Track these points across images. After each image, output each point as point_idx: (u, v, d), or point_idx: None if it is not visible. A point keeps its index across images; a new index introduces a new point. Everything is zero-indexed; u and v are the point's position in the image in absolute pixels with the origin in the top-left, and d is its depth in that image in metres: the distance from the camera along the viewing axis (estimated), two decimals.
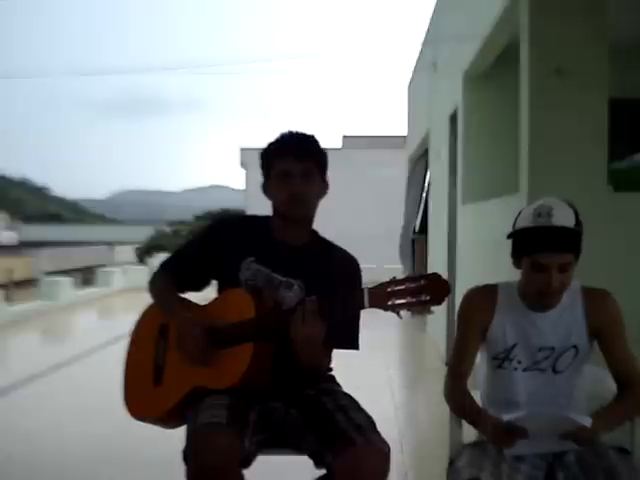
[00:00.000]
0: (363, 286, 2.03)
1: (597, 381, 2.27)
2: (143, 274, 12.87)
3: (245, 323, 2.12)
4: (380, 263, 10.83)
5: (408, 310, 1.94)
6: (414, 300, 1.91)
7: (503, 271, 2.36)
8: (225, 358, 2.13)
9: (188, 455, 1.96)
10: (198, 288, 2.37)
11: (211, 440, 1.92)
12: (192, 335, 2.15)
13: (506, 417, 1.98)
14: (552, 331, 2.13)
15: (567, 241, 2.03)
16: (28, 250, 30.39)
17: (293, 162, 2.22)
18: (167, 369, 2.26)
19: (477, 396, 2.24)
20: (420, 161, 10.25)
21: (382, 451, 1.98)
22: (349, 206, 18.86)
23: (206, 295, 2.34)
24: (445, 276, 1.92)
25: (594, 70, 3.64)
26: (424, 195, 9.64)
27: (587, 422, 1.95)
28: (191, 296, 2.35)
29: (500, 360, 2.17)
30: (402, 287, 1.92)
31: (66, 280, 11.98)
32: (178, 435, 2.14)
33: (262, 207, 2.42)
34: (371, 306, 1.96)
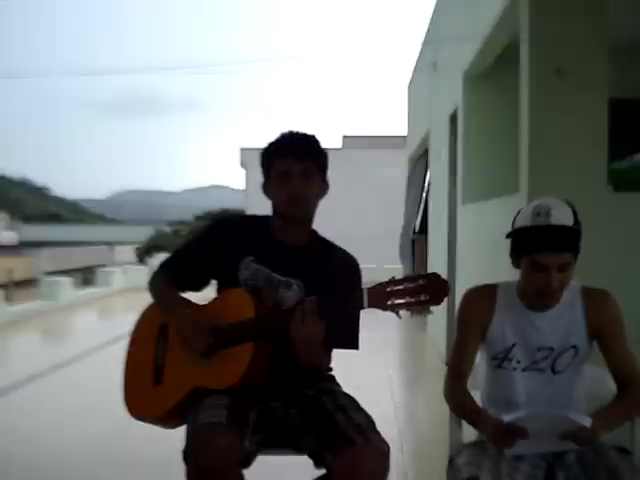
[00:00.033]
0: (363, 286, 2.03)
1: (597, 381, 2.27)
2: (143, 274, 12.87)
3: (244, 323, 2.12)
4: (380, 263, 10.83)
5: (407, 310, 1.95)
6: (413, 300, 1.91)
7: (503, 271, 2.36)
8: (225, 358, 2.13)
9: (188, 455, 1.96)
10: (197, 288, 2.37)
11: (211, 440, 1.92)
12: (196, 329, 2.15)
13: (506, 418, 1.98)
14: (551, 331, 2.13)
15: (566, 240, 2.03)
16: (28, 250, 30.39)
17: (293, 162, 2.22)
18: (167, 369, 2.26)
19: (477, 396, 2.24)
20: (420, 161, 10.25)
21: (382, 451, 1.98)
22: (349, 206, 18.87)
23: (206, 295, 2.34)
24: (445, 276, 1.92)
25: (594, 70, 3.64)
26: (424, 195, 9.64)
27: (587, 422, 1.95)
28: (191, 296, 2.35)
29: (499, 360, 2.17)
30: (401, 287, 1.93)
31: (66, 280, 11.98)
32: (178, 435, 2.14)
33: (262, 207, 2.42)
34: (370, 306, 1.96)
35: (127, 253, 24.97)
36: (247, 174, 22.13)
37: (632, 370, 2.15)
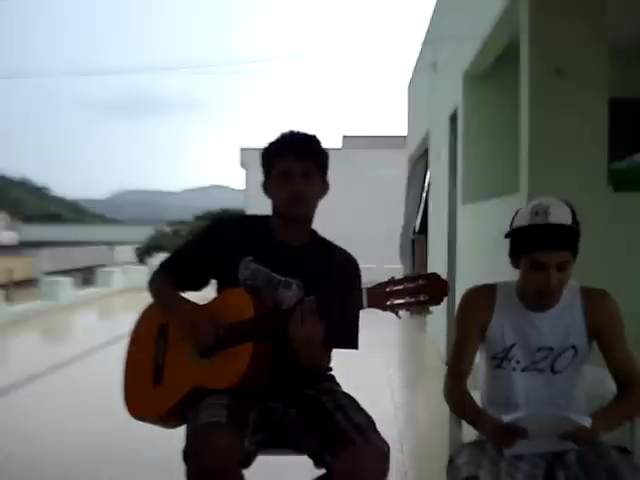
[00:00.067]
0: (363, 286, 2.03)
1: (597, 381, 2.27)
2: (143, 274, 12.87)
3: (244, 323, 2.12)
4: (380, 263, 10.83)
5: (407, 310, 1.95)
6: (413, 300, 1.91)
7: (503, 271, 2.36)
8: (224, 358, 2.13)
9: (188, 455, 1.96)
10: (197, 288, 2.37)
11: (211, 440, 1.92)
12: (201, 323, 2.15)
13: (506, 418, 1.98)
14: (551, 331, 2.13)
15: (564, 239, 2.03)
16: (28, 250, 30.38)
17: (293, 162, 2.22)
18: (167, 369, 2.26)
19: (477, 396, 2.24)
20: (420, 161, 10.25)
21: (381, 451, 1.98)
22: (349, 206, 18.86)
23: (205, 295, 2.34)
24: (445, 276, 1.92)
25: (594, 70, 3.64)
26: (424, 195, 9.64)
27: (587, 422, 1.95)
28: (190, 296, 2.35)
29: (499, 360, 2.17)
30: (401, 287, 1.93)
31: (66, 280, 11.98)
32: (178, 435, 2.14)
33: (262, 207, 2.42)
34: (370, 306, 1.96)
35: (127, 253, 24.97)
36: (247, 174, 22.13)
37: (632, 370, 2.15)
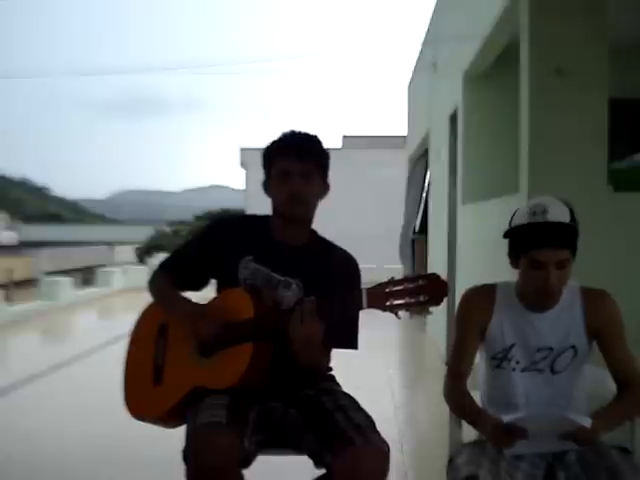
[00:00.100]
0: (363, 286, 2.03)
1: (597, 381, 2.27)
2: (143, 274, 12.87)
3: (244, 323, 2.12)
4: (380, 263, 10.83)
5: (406, 311, 1.95)
6: (412, 301, 1.91)
7: (503, 271, 2.36)
8: (224, 358, 2.13)
9: (188, 455, 1.96)
10: (197, 288, 2.37)
11: (211, 440, 1.92)
12: (201, 320, 2.16)
13: (506, 418, 1.98)
14: (550, 331, 2.13)
15: (563, 237, 2.03)
16: (28, 250, 30.38)
17: (294, 162, 2.22)
18: (167, 369, 2.26)
19: (477, 396, 2.24)
20: (420, 161, 10.25)
21: (381, 451, 1.98)
22: (349, 206, 18.86)
23: (205, 295, 2.34)
24: (445, 276, 1.92)
25: (594, 70, 3.64)
26: (424, 195, 9.64)
27: (587, 423, 1.95)
28: (190, 296, 2.35)
29: (498, 360, 2.17)
30: (400, 287, 1.93)
31: (66, 280, 11.98)
32: (178, 435, 2.14)
33: (262, 207, 2.42)
34: (369, 307, 1.96)
35: (127, 253, 24.97)
36: (247, 174, 22.13)
37: (632, 370, 2.15)
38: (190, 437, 2.02)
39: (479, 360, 2.27)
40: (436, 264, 7.63)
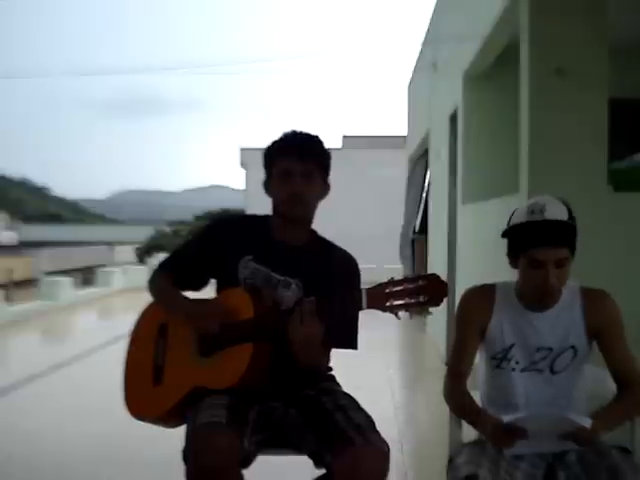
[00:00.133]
0: (363, 286, 2.03)
1: (597, 381, 2.27)
2: (143, 274, 12.87)
3: (244, 323, 2.12)
4: (380, 263, 10.83)
5: (406, 311, 1.94)
6: (412, 301, 1.91)
7: (503, 271, 2.36)
8: (224, 358, 2.13)
9: (188, 455, 1.96)
10: (197, 288, 2.37)
11: (211, 440, 1.92)
12: (203, 312, 2.16)
13: (506, 418, 1.98)
14: (550, 331, 2.13)
15: (561, 235, 2.03)
16: (28, 250, 30.38)
17: (295, 162, 2.22)
18: (167, 369, 2.26)
19: (477, 396, 2.24)
20: (420, 161, 10.25)
21: (381, 451, 1.98)
22: (349, 206, 18.86)
23: (205, 295, 2.34)
24: (445, 276, 1.92)
25: (594, 70, 3.64)
26: (424, 195, 9.64)
27: (587, 423, 1.95)
28: (190, 296, 2.35)
29: (498, 360, 2.17)
30: (400, 288, 1.93)
31: (66, 280, 11.98)
32: (178, 435, 2.14)
33: (262, 207, 2.42)
34: (369, 307, 1.96)
35: (127, 253, 24.97)
36: (247, 174, 22.13)
37: (632, 370, 2.15)
38: (190, 437, 2.02)
39: (479, 360, 2.27)
40: (436, 264, 7.63)
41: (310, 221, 2.34)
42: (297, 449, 2.17)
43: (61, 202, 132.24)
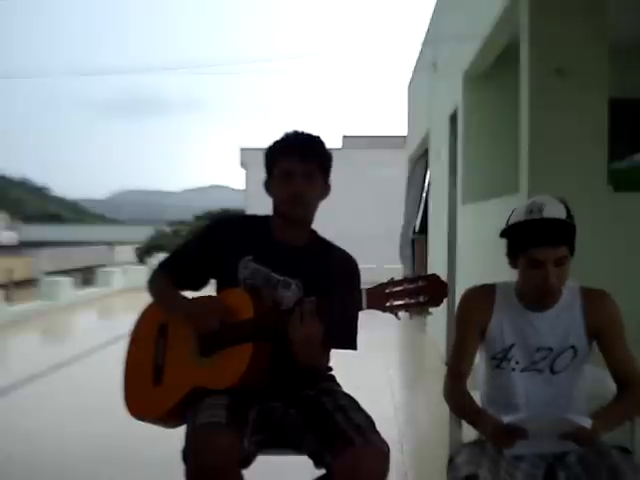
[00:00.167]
0: (363, 286, 2.03)
1: (597, 381, 2.27)
2: (143, 274, 12.87)
3: (244, 323, 2.12)
4: (380, 263, 10.84)
5: (406, 311, 1.94)
6: (412, 301, 1.91)
7: (503, 271, 2.36)
8: (224, 358, 2.13)
9: (187, 455, 1.96)
10: (196, 288, 2.37)
11: (210, 440, 1.92)
12: (203, 309, 2.16)
13: (506, 419, 1.98)
14: (550, 331, 2.13)
15: (560, 233, 2.03)
16: (28, 250, 30.38)
17: (296, 162, 2.22)
18: (167, 369, 2.26)
19: (477, 396, 2.24)
20: (420, 161, 10.25)
21: (381, 451, 1.98)
22: (349, 206, 18.86)
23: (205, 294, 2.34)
24: (445, 276, 1.92)
25: (594, 70, 3.64)
26: (424, 195, 9.65)
27: (587, 423, 1.95)
28: (190, 296, 2.35)
29: (498, 360, 2.17)
30: (400, 288, 1.92)
31: (66, 280, 11.98)
32: (178, 435, 2.14)
33: (262, 207, 2.41)
34: (369, 307, 1.96)
35: (127, 253, 24.97)
36: (247, 174, 22.13)
37: (632, 370, 2.15)
38: (190, 437, 2.02)
39: (479, 360, 2.27)
40: (436, 264, 7.63)
41: (310, 221, 2.34)
42: (297, 449, 2.17)
43: (61, 202, 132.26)
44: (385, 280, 1.97)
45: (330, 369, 2.39)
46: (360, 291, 1.98)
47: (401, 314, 1.96)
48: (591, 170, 3.64)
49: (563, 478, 2.01)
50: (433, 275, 1.93)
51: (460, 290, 4.03)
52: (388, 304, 1.93)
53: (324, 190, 2.32)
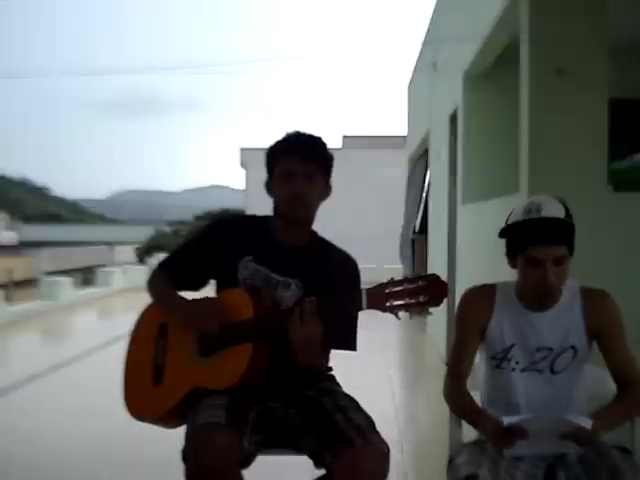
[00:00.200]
0: (363, 286, 2.03)
1: (597, 381, 2.27)
2: (143, 274, 12.87)
3: (244, 323, 2.12)
4: (380, 263, 10.84)
5: (406, 311, 1.94)
6: (412, 301, 1.91)
7: (503, 271, 2.36)
8: (224, 358, 2.13)
9: (187, 455, 1.96)
10: (196, 288, 2.37)
11: (210, 440, 1.92)
12: (202, 312, 2.16)
13: (507, 420, 1.98)
14: (550, 331, 2.13)
15: (558, 232, 2.03)
16: (28, 250, 30.38)
17: (297, 162, 2.22)
18: (167, 369, 2.26)
19: (477, 396, 2.24)
20: (420, 161, 10.25)
21: (381, 451, 1.98)
22: (349, 206, 18.86)
23: (204, 295, 2.34)
24: (445, 276, 1.92)
25: (594, 70, 3.64)
26: (424, 195, 9.65)
27: (587, 424, 1.95)
28: (189, 296, 2.35)
29: (498, 360, 2.17)
30: (400, 288, 1.92)
31: (66, 280, 11.98)
32: (178, 435, 2.14)
33: (262, 207, 2.41)
34: (369, 307, 1.96)
35: (127, 253, 24.97)
36: (247, 174, 22.13)
37: (632, 370, 2.15)
38: (189, 437, 2.01)
39: (479, 360, 2.27)
40: (436, 264, 7.63)
41: (311, 222, 2.34)
42: (297, 449, 2.17)
43: (61, 202, 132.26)
44: (385, 280, 1.97)
45: (330, 369, 2.39)
46: (360, 291, 1.98)
47: (401, 314, 1.96)
48: (591, 170, 3.64)
49: (563, 478, 2.01)
50: (433, 275, 1.92)
51: (460, 290, 4.03)
52: (388, 304, 1.93)
53: (325, 191, 2.32)
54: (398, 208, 11.92)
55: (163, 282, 2.36)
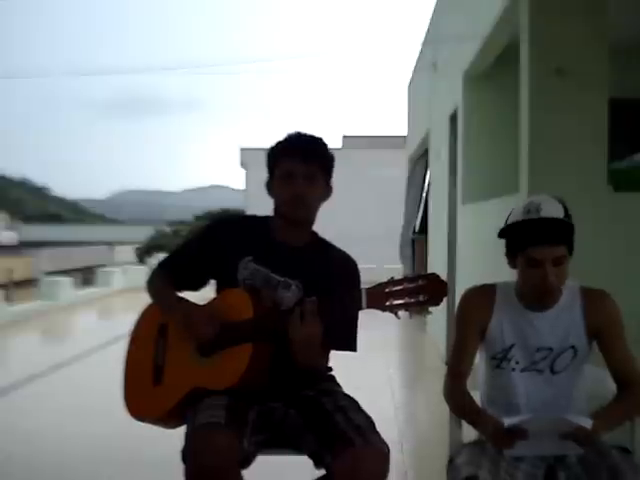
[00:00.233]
0: (363, 286, 2.03)
1: (597, 381, 2.27)
2: (143, 274, 12.87)
3: (243, 323, 2.12)
4: (380, 263, 10.83)
5: (406, 311, 1.94)
6: (412, 301, 1.91)
7: (503, 271, 2.36)
8: (224, 358, 2.13)
9: (187, 455, 1.96)
10: (195, 288, 2.37)
11: (210, 440, 1.92)
12: (200, 319, 2.15)
13: (507, 420, 1.98)
14: (550, 331, 2.13)
15: (558, 232, 2.03)
16: (28, 250, 30.38)
17: (298, 163, 2.22)
18: (167, 369, 2.26)
19: (477, 396, 2.24)
20: (420, 161, 10.25)
21: (381, 452, 1.98)
22: (349, 206, 18.85)
23: (204, 295, 2.34)
24: (445, 276, 1.92)
25: (594, 70, 3.64)
26: (424, 195, 9.65)
27: (587, 424, 1.94)
28: (189, 296, 2.35)
29: (498, 360, 2.17)
30: (400, 287, 1.92)
31: (66, 280, 11.98)
32: (178, 435, 2.14)
33: (262, 207, 2.41)
34: (369, 307, 1.96)
35: (127, 253, 24.96)
36: (247, 174, 22.13)
37: (632, 370, 2.15)
38: (189, 437, 2.01)
39: (479, 360, 2.27)
40: (436, 264, 7.63)
41: (311, 223, 2.34)
42: (297, 449, 2.17)
43: (61, 202, 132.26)
44: (385, 280, 1.97)
45: (330, 369, 2.39)
46: (360, 290, 1.98)
47: (401, 313, 1.96)
48: (591, 170, 3.64)
49: (563, 478, 2.01)
50: (433, 274, 1.93)
51: (460, 290, 4.03)
52: (388, 303, 1.93)
53: (325, 191, 2.32)
54: (398, 208, 11.92)
55: (163, 282, 2.36)
